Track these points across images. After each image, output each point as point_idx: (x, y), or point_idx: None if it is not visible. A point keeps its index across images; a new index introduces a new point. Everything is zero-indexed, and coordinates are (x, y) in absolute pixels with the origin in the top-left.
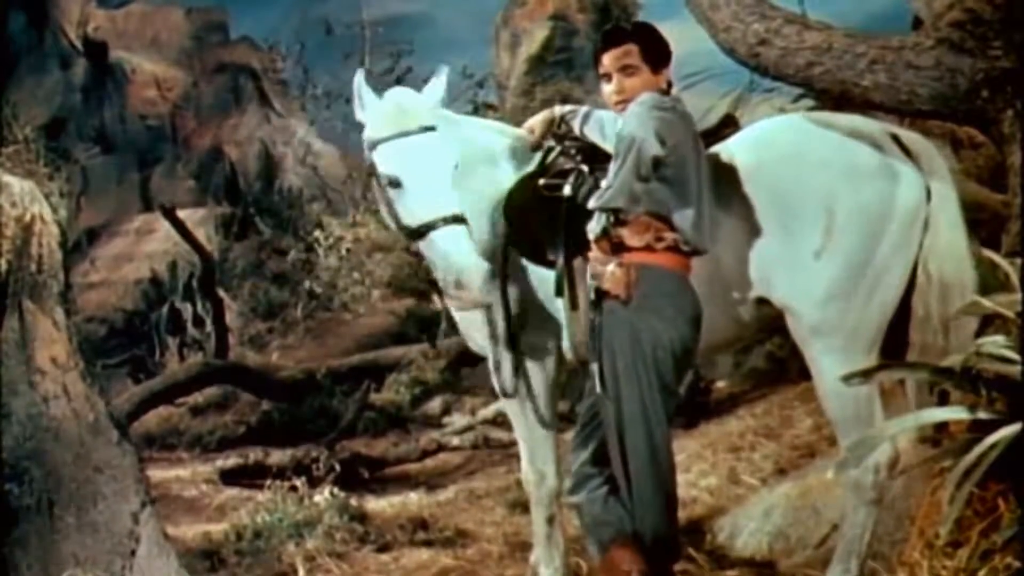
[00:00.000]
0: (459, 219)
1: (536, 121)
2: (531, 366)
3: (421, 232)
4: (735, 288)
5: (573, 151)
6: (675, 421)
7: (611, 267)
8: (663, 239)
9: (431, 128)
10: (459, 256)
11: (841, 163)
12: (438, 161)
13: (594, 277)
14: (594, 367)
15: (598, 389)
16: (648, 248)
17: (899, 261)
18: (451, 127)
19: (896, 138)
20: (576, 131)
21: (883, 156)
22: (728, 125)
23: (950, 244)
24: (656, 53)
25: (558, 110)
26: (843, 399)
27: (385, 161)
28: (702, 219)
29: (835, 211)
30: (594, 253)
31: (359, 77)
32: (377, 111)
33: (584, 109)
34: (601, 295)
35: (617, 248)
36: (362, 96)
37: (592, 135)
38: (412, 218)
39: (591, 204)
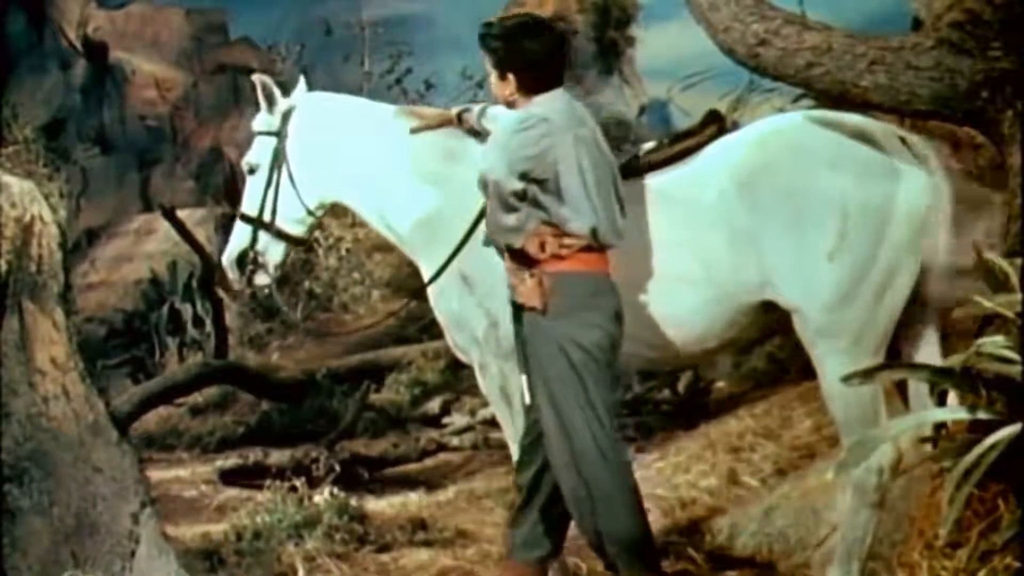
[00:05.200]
0: None
1: (429, 111)
2: (515, 368)
3: None
4: (736, 289)
5: None
6: (675, 422)
7: (524, 279)
8: (568, 245)
9: None
10: None
11: (851, 164)
12: None
13: (510, 290)
14: (523, 379)
15: (527, 399)
16: (556, 257)
17: (908, 263)
18: None
19: (903, 139)
20: (475, 126)
21: (891, 158)
22: (713, 122)
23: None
24: (497, 60)
25: (455, 109)
26: (848, 400)
27: None
28: (597, 214)
29: (848, 213)
30: (508, 266)
31: None
32: None
33: (479, 106)
34: (520, 308)
35: (528, 260)
36: None
37: (491, 128)
38: None
39: (481, 240)
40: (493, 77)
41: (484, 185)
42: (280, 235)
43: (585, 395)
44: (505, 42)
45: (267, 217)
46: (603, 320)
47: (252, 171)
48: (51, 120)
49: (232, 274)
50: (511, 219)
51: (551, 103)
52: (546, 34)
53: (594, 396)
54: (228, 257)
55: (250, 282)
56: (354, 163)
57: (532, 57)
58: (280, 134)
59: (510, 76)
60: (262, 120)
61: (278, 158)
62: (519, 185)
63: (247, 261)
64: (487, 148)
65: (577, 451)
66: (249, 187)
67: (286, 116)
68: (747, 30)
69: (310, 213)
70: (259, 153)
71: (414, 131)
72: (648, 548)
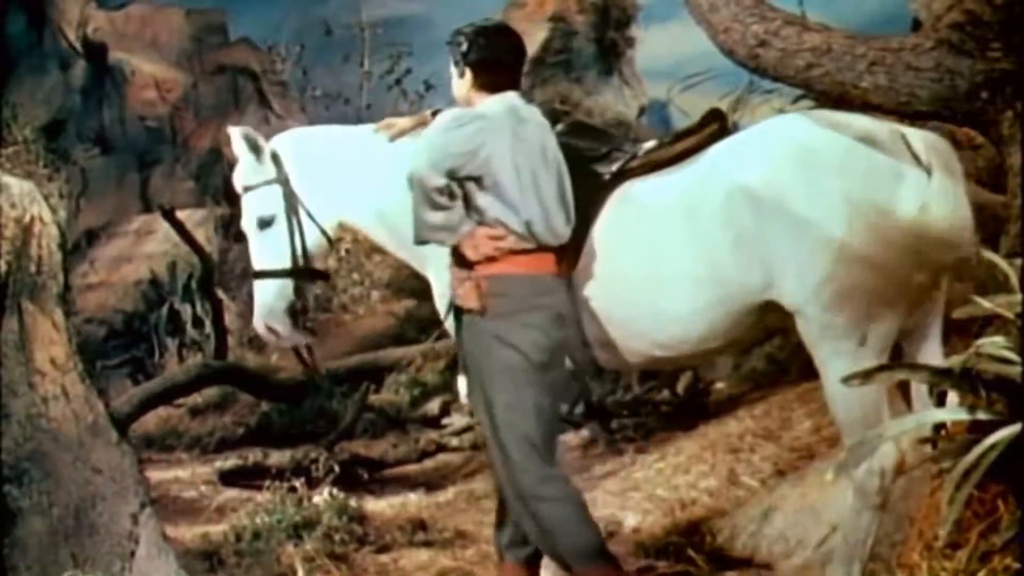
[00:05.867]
0: None
1: (402, 120)
2: None
3: None
4: (740, 290)
5: None
6: (675, 422)
7: (463, 280)
8: (501, 248)
9: None
10: None
11: (857, 166)
12: None
13: (452, 292)
14: (462, 379)
15: (464, 399)
16: (490, 259)
17: (909, 263)
18: None
19: (904, 138)
20: None
21: (894, 159)
22: (713, 120)
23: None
24: (460, 55)
25: (428, 112)
26: (850, 402)
27: None
28: (532, 212)
29: (853, 215)
30: (451, 268)
31: None
32: None
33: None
34: (461, 310)
35: (467, 262)
36: None
37: None
38: None
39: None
40: (454, 76)
41: (411, 185)
42: (315, 275)
43: (517, 392)
44: (468, 38)
45: (300, 262)
46: (541, 321)
47: (267, 224)
48: (51, 121)
49: (282, 328)
50: (438, 217)
51: (497, 103)
52: (508, 38)
53: (526, 399)
54: (270, 313)
55: (309, 331)
56: (359, 184)
57: (490, 55)
58: (282, 179)
59: (468, 73)
60: (253, 171)
61: (291, 201)
62: (442, 181)
63: (298, 312)
64: (418, 145)
65: (506, 445)
66: (265, 241)
67: (276, 160)
68: (747, 31)
69: (330, 243)
70: (267, 204)
71: (392, 138)
72: (600, 548)
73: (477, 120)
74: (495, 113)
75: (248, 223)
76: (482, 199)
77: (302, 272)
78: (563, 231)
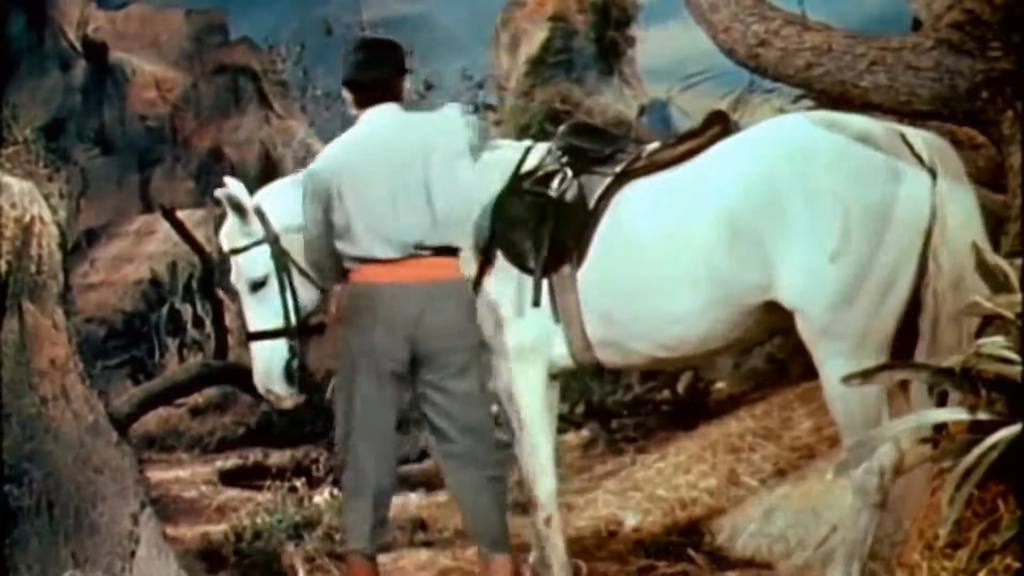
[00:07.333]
0: None
1: None
2: (520, 369)
3: None
4: (739, 290)
5: (560, 153)
6: (675, 422)
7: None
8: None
9: None
10: None
11: (852, 166)
12: None
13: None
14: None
15: (328, 396)
16: (347, 271)
17: (909, 263)
18: None
19: (903, 137)
20: None
21: (891, 158)
22: (715, 123)
23: (961, 230)
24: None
25: None
26: (850, 402)
27: None
28: (368, 239)
29: (850, 214)
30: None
31: None
32: None
33: None
34: None
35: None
36: None
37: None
38: None
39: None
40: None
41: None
42: (310, 332)
43: (347, 397)
44: (342, 56)
45: (293, 321)
46: (368, 328)
47: (258, 286)
48: (51, 121)
49: (281, 389)
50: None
51: (361, 127)
52: (371, 51)
53: (355, 395)
54: (268, 376)
55: (314, 389)
56: None
57: (351, 74)
58: (270, 237)
59: (344, 89)
60: (239, 233)
61: (281, 260)
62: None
63: (294, 372)
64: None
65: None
66: (257, 303)
67: (261, 217)
68: (747, 31)
69: (323, 292)
70: (257, 266)
71: None
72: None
73: (310, 180)
74: (333, 158)
75: (240, 285)
76: (336, 226)
77: (295, 331)
78: (421, 238)
